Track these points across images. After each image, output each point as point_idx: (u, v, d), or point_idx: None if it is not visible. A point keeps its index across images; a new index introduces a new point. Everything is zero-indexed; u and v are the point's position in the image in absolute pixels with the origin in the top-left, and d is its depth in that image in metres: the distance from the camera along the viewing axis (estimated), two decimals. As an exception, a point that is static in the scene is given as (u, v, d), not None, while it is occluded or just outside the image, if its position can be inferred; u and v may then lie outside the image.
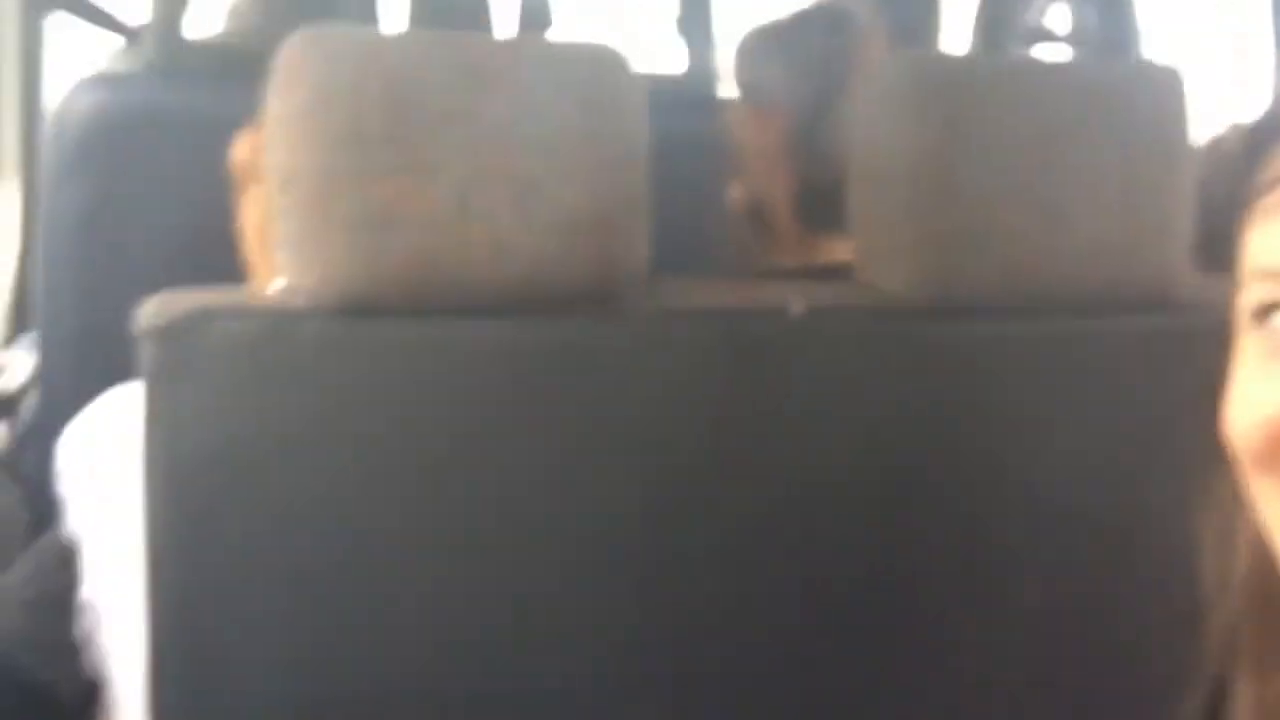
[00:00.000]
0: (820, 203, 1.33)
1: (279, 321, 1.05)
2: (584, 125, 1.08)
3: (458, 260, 1.05)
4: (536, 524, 1.07)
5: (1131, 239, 1.15)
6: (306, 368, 1.06)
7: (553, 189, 1.06)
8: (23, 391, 1.84)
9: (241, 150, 1.26)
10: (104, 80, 1.72)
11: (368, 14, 1.64)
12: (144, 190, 1.58)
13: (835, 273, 1.24)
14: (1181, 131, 1.17)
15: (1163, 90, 1.18)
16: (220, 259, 1.22)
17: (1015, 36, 2.01)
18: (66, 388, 1.38)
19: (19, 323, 2.10)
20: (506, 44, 1.12)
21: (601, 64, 1.10)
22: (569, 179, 1.07)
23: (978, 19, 1.71)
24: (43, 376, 1.68)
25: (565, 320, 1.09)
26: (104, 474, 1.21)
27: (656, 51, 2.01)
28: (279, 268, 1.09)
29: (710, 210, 1.46)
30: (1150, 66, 1.25)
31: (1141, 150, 1.15)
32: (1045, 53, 2.28)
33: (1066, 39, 1.84)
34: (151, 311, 1.05)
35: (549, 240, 1.07)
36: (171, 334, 1.04)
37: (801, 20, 1.44)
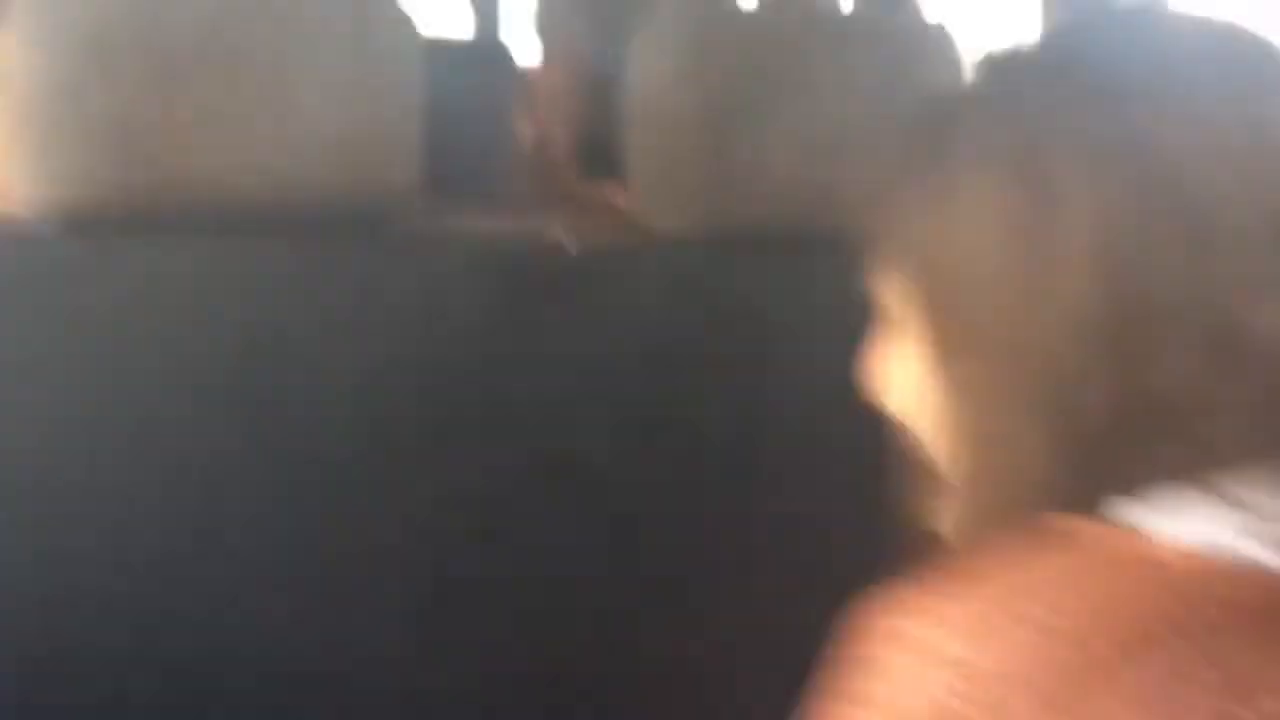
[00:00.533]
0: (602, 149, 1.33)
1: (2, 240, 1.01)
2: (351, 45, 1.05)
3: (204, 177, 1.01)
4: (262, 450, 1.05)
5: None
6: (31, 286, 1.02)
7: (313, 106, 1.03)
8: None
9: None
10: None
11: None
12: None
13: (609, 214, 1.24)
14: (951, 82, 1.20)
15: (932, 43, 1.21)
16: None
17: None
18: None
19: None
20: None
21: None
22: (331, 97, 1.04)
23: None
24: None
25: (316, 241, 1.06)
26: None
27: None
28: (11, 177, 1.03)
29: (498, 142, 1.45)
30: (919, 21, 1.27)
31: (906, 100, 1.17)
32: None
33: None
34: None
35: (306, 158, 1.03)
36: None
37: None
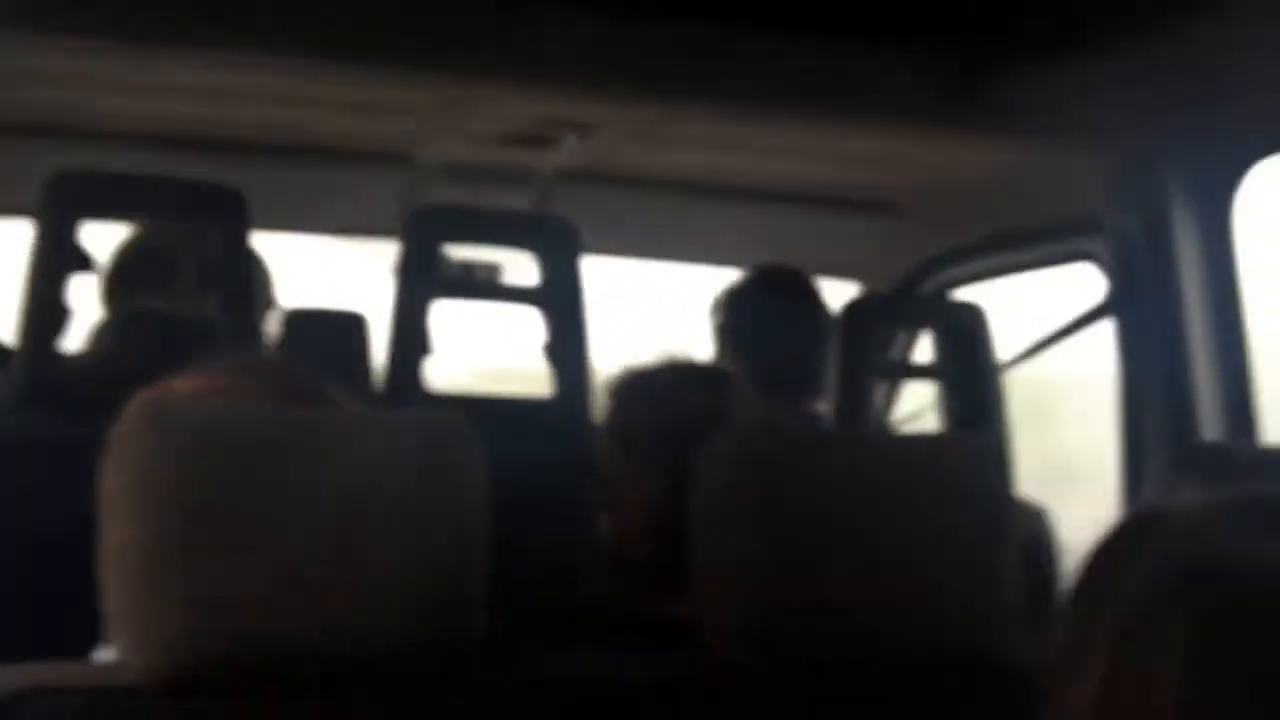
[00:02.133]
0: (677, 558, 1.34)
1: (99, 705, 1.07)
2: (419, 495, 1.11)
3: (284, 640, 1.08)
4: None
5: (949, 599, 1.25)
6: None
7: (386, 562, 1.10)
8: None
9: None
10: None
11: (243, 344, 1.71)
12: (3, 522, 1.60)
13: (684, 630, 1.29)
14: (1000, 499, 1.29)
15: (980, 458, 1.29)
16: (81, 599, 1.25)
17: (879, 371, 2.19)
18: None
19: None
20: (344, 418, 1.19)
21: (440, 434, 1.15)
22: (403, 550, 1.10)
23: (836, 361, 1.87)
24: None
25: (388, 699, 1.12)
26: None
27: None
28: (110, 638, 1.11)
29: (572, 535, 1.51)
30: (966, 438, 1.39)
31: (958, 516, 1.25)
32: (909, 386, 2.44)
33: (929, 371, 1.99)
34: None
35: (378, 616, 1.10)
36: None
37: (674, 372, 1.50)
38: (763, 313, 2.21)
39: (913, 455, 1.29)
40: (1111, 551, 0.70)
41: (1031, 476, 1.83)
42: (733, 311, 2.23)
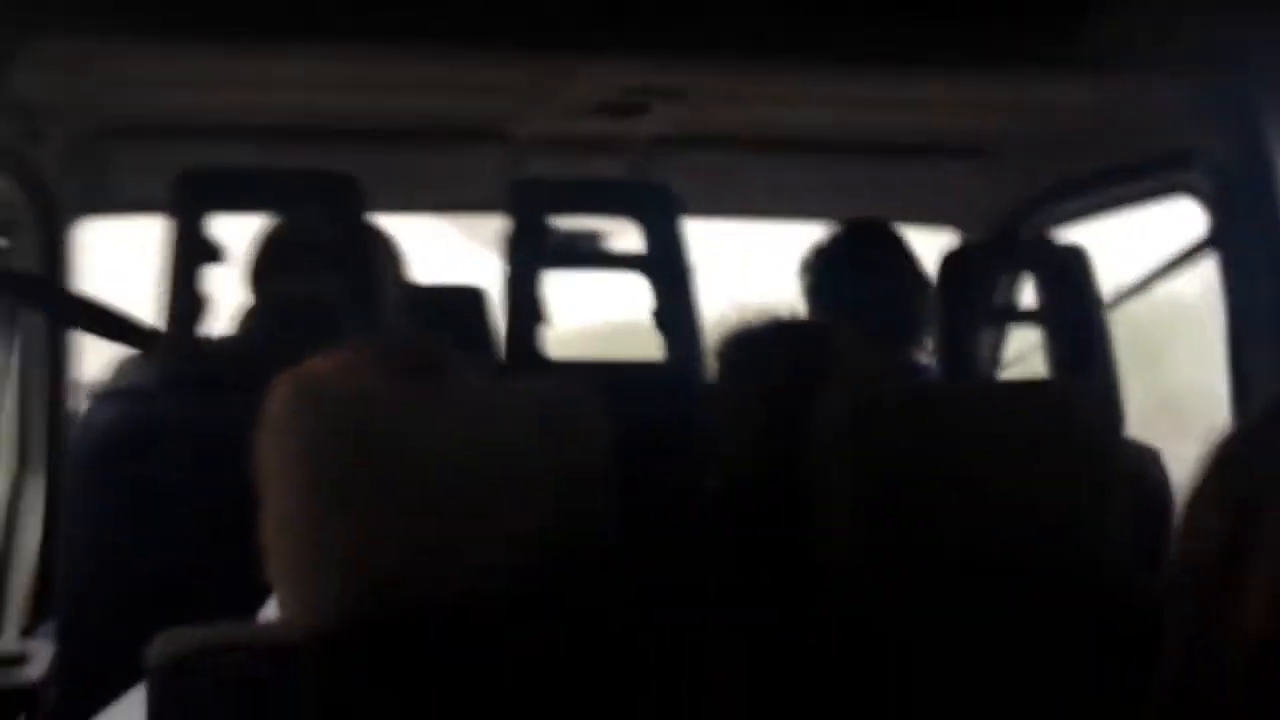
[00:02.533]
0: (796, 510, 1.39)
1: (271, 659, 1.16)
2: (549, 460, 1.19)
3: (432, 594, 1.16)
4: None
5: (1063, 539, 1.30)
6: (298, 698, 1.15)
7: (521, 520, 1.18)
8: (43, 683, 1.92)
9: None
10: (122, 394, 1.88)
11: (369, 323, 1.78)
12: (162, 498, 1.68)
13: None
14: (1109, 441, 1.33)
15: (1087, 401, 1.32)
16: (238, 566, 1.34)
17: (982, 318, 2.20)
18: (87, 684, 1.45)
19: (38, 613, 2.20)
20: (479, 389, 1.27)
21: (567, 402, 1.23)
22: (536, 511, 1.18)
23: (939, 310, 1.90)
24: (62, 670, 1.77)
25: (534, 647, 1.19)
26: None
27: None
28: (276, 599, 1.21)
29: (689, 493, 1.55)
30: (1072, 382, 1.42)
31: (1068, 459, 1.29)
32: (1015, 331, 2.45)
33: (1034, 316, 2.01)
34: (157, 648, 1.15)
35: (516, 572, 1.18)
36: (174, 671, 1.15)
37: (781, 329, 1.55)
38: (852, 267, 2.22)
39: (1020, 401, 1.33)
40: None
41: (1142, 417, 1.85)
42: (823, 268, 2.25)
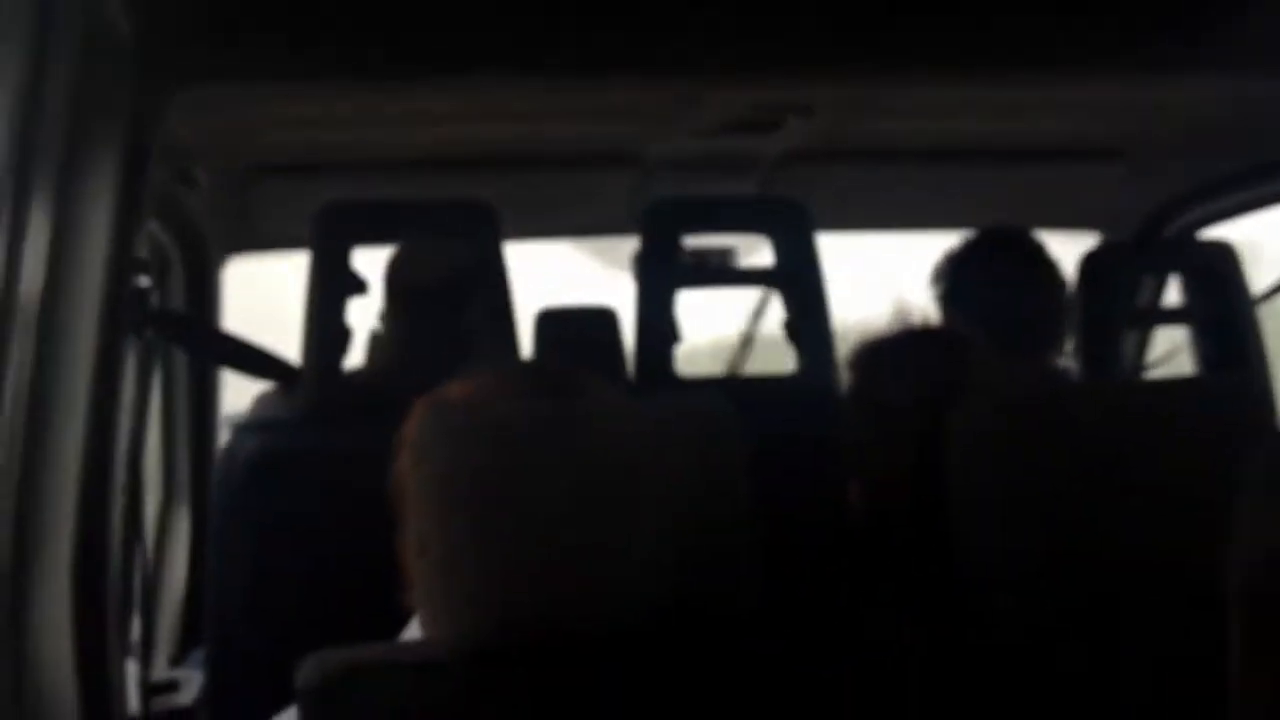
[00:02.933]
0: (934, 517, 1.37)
1: (417, 678, 1.18)
2: (685, 476, 1.19)
3: (569, 611, 1.17)
4: None
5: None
6: (445, 716, 1.17)
7: (658, 537, 1.17)
8: (193, 710, 1.98)
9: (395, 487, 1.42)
10: (265, 425, 1.91)
11: (503, 348, 1.81)
12: (304, 525, 1.73)
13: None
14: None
15: (1237, 397, 1.28)
16: (379, 589, 1.36)
17: (1125, 319, 2.15)
18: (236, 708, 1.51)
19: (186, 642, 2.27)
20: (614, 410, 1.28)
21: (703, 419, 1.23)
22: (673, 526, 1.18)
23: (1079, 312, 1.86)
24: (211, 696, 1.81)
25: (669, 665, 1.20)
26: None
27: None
28: (419, 620, 1.23)
29: (827, 506, 1.53)
30: (1221, 378, 1.38)
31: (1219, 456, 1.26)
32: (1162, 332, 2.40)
33: (1180, 315, 1.96)
34: (307, 670, 1.17)
35: (654, 587, 1.17)
36: (324, 694, 1.16)
37: (915, 338, 1.53)
38: (987, 274, 2.17)
39: (1166, 399, 1.30)
40: None
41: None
42: (957, 276, 2.21)
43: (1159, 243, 2.43)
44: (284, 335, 2.00)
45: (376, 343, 1.98)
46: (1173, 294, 2.14)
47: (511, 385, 1.39)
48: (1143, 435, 1.25)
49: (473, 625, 1.17)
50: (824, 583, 1.38)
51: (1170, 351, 2.30)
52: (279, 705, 1.34)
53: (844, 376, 1.57)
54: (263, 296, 2.54)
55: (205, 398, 2.40)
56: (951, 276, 2.21)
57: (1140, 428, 1.25)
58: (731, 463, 1.22)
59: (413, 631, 1.31)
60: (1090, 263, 1.94)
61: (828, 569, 1.45)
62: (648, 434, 1.22)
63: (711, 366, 2.58)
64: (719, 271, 2.10)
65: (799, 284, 1.94)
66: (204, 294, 2.40)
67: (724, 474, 1.22)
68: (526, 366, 1.59)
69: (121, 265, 1.47)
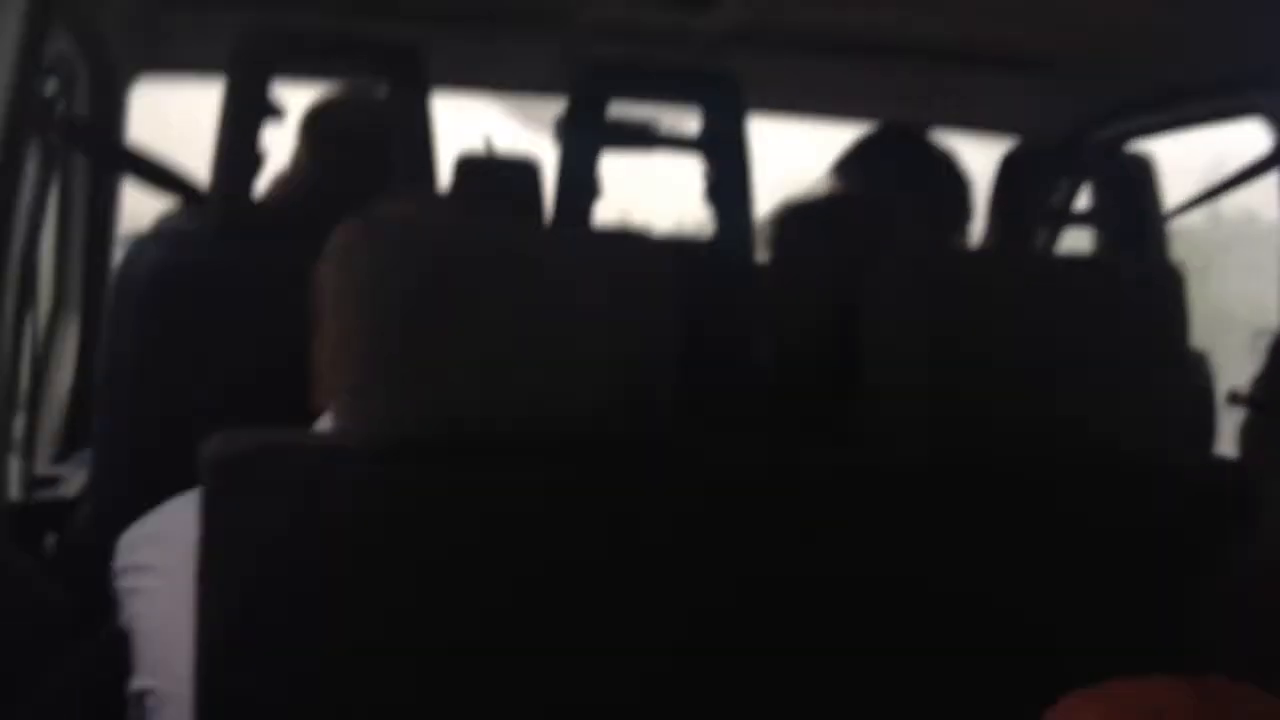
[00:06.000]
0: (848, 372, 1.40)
1: (327, 464, 1.20)
2: (614, 301, 1.22)
3: (486, 417, 1.20)
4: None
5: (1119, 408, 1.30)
6: (349, 503, 1.19)
7: (583, 357, 1.20)
8: (75, 503, 1.96)
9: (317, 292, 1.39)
10: (166, 237, 1.89)
11: (418, 175, 1.79)
12: (199, 338, 1.71)
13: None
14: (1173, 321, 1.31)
15: (1155, 282, 1.31)
16: (281, 394, 1.33)
17: (1037, 219, 2.17)
18: (119, 502, 1.50)
19: (68, 445, 2.25)
20: (543, 232, 1.29)
21: (634, 243, 1.27)
22: (601, 348, 1.21)
23: (994, 209, 1.88)
24: (96, 491, 1.81)
25: (592, 461, 1.23)
26: (173, 567, 1.30)
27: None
28: (335, 411, 1.24)
29: (741, 362, 1.55)
30: (1139, 265, 1.40)
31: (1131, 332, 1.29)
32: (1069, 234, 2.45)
33: (1091, 219, 1.98)
34: (215, 445, 1.19)
35: (573, 404, 1.20)
36: (232, 468, 1.18)
37: (836, 201, 1.56)
38: (881, 171, 2.21)
39: (1079, 272, 1.32)
40: None
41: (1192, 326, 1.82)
42: (852, 173, 2.23)
43: (1077, 148, 2.46)
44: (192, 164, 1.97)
45: (284, 180, 1.95)
46: (1085, 201, 2.16)
47: (437, 208, 1.39)
48: (1054, 302, 1.27)
49: (384, 421, 1.18)
50: (734, 426, 1.39)
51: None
52: (159, 499, 1.35)
53: (765, 236, 1.57)
54: (171, 125, 2.47)
55: (104, 209, 2.33)
56: (845, 173, 2.22)
57: (1052, 295, 1.27)
58: (661, 299, 1.23)
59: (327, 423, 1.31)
60: (1008, 162, 1.96)
61: (739, 415, 1.47)
62: (577, 249, 1.24)
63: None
64: (642, 133, 2.08)
65: (723, 152, 1.94)
66: (110, 109, 2.32)
67: (653, 304, 1.23)
68: (435, 201, 1.59)
69: (26, 68, 1.44)
